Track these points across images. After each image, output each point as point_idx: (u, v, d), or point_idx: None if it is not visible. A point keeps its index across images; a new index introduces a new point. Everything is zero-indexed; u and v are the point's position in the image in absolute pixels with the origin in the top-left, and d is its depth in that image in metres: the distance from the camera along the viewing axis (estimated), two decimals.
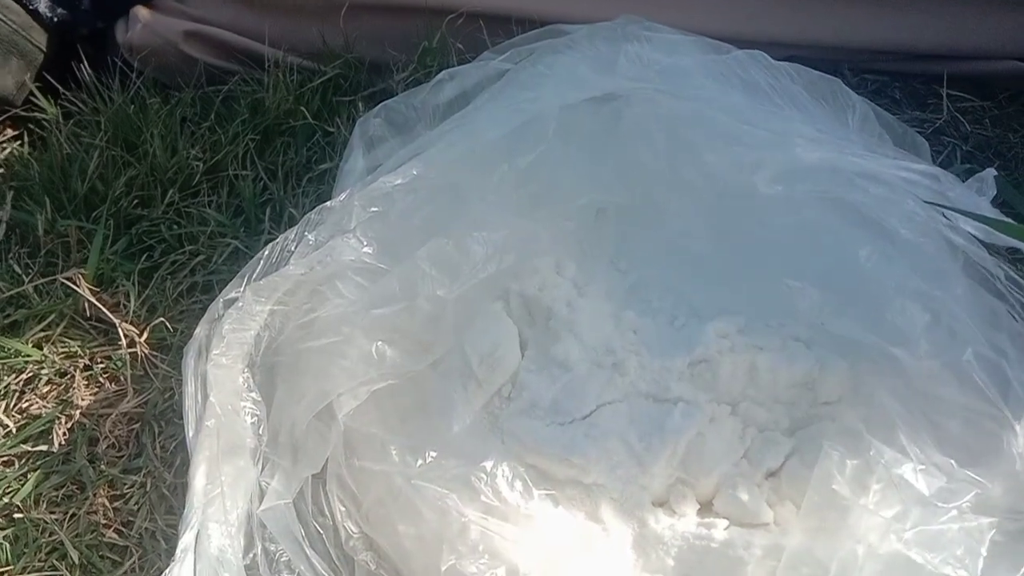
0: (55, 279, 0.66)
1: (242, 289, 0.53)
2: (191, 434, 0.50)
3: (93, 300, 0.64)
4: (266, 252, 0.55)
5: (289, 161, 0.77)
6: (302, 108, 0.79)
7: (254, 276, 0.54)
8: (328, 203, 0.56)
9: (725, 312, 0.57)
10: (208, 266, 0.69)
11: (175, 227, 0.72)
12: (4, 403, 0.62)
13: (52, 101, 0.86)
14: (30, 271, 0.69)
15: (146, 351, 0.63)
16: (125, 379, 0.63)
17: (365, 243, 0.54)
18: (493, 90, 0.59)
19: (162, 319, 0.64)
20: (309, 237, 0.54)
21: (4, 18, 0.88)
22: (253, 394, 0.51)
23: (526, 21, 0.80)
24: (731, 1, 0.78)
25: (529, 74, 0.57)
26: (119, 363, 0.64)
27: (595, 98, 0.56)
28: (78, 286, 0.65)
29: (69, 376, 0.64)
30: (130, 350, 0.63)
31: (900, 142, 0.61)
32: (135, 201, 0.74)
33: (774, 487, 0.52)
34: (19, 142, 0.85)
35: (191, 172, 0.75)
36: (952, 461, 0.47)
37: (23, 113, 0.86)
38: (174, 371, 0.62)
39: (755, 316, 0.57)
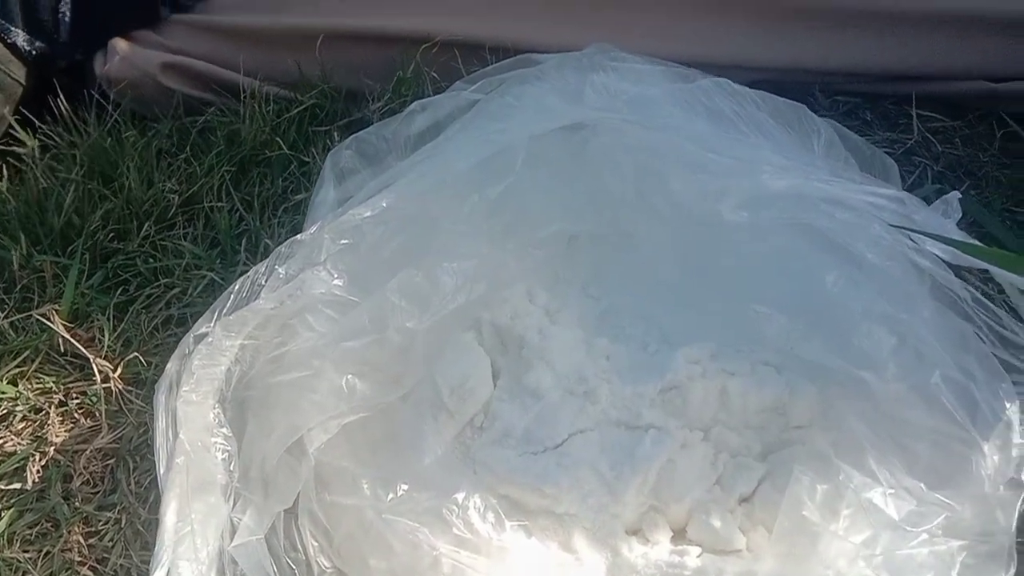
0: (30, 315, 0.66)
1: (212, 324, 0.53)
2: (162, 471, 0.50)
3: (67, 336, 0.64)
4: (237, 286, 0.55)
5: (265, 192, 0.77)
6: (278, 139, 0.79)
7: (224, 311, 0.54)
8: (298, 236, 0.56)
9: (696, 338, 0.57)
10: (183, 299, 0.69)
11: (151, 260, 0.72)
12: None
13: (31, 134, 0.86)
14: (5, 306, 0.69)
15: (120, 386, 0.63)
16: (100, 415, 0.62)
17: (335, 276, 0.54)
18: (463, 121, 0.59)
19: (136, 354, 0.64)
20: (279, 270, 0.55)
21: None
22: (224, 430, 0.51)
23: (500, 49, 0.80)
24: (702, 27, 0.79)
25: (498, 105, 0.58)
26: (94, 398, 0.63)
27: (564, 128, 0.56)
28: (52, 322, 0.64)
29: (44, 412, 0.63)
30: (104, 385, 0.63)
31: (868, 165, 0.62)
32: (111, 235, 0.74)
33: (747, 513, 0.52)
34: None
35: (167, 204, 0.75)
36: (921, 484, 0.47)
37: (1, 147, 0.86)
38: (148, 406, 0.61)
39: (726, 342, 0.57)
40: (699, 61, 0.68)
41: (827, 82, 0.81)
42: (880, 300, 0.52)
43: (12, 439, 0.62)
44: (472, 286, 0.52)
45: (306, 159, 0.79)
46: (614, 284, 0.58)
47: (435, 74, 0.82)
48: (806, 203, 0.53)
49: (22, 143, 0.85)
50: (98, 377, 0.63)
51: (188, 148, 0.79)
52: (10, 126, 0.89)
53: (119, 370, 0.63)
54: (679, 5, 0.76)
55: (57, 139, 0.83)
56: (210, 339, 0.51)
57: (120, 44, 0.90)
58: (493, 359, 0.56)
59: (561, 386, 0.54)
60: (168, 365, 0.53)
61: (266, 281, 0.55)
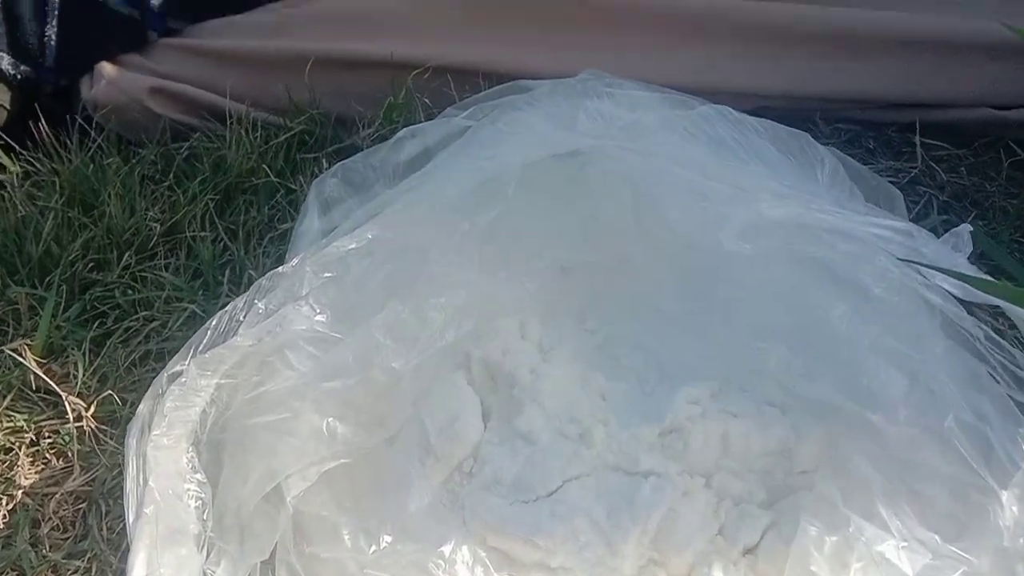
0: (1, 350, 0.63)
1: (187, 362, 0.51)
2: (131, 520, 0.47)
3: (39, 372, 0.61)
4: (214, 322, 0.52)
5: (251, 221, 0.75)
6: (264, 166, 0.77)
7: (200, 347, 0.51)
8: (280, 268, 0.54)
9: (696, 373, 0.55)
10: (163, 332, 0.67)
11: (130, 292, 0.69)
12: None
13: (13, 160, 0.84)
14: None
15: (94, 425, 0.60)
16: (72, 455, 0.60)
17: (318, 311, 0.51)
18: (453, 148, 0.57)
19: (111, 391, 0.61)
20: (259, 305, 0.52)
21: None
22: (198, 475, 0.48)
23: (494, 75, 0.78)
24: (700, 53, 0.77)
25: (490, 132, 0.55)
26: (66, 438, 0.61)
27: (558, 155, 0.54)
28: (24, 357, 0.62)
29: (13, 453, 0.61)
30: (77, 424, 0.60)
31: (873, 195, 0.59)
32: (90, 265, 0.72)
33: (751, 565, 0.49)
34: None
35: (149, 233, 0.73)
36: (936, 536, 0.45)
37: None
38: (122, 447, 0.58)
39: (727, 378, 0.54)
40: (695, 87, 0.66)
41: (828, 109, 0.79)
42: (889, 336, 0.49)
43: None
44: (461, 321, 0.50)
45: (293, 187, 0.76)
46: (610, 315, 0.56)
47: (427, 100, 0.80)
48: (808, 233, 0.50)
49: (3, 168, 0.83)
50: (71, 416, 0.60)
51: (172, 175, 0.76)
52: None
53: (92, 408, 0.60)
54: (674, 31, 0.75)
55: (38, 165, 0.80)
56: (184, 379, 0.48)
57: (107, 68, 0.88)
58: (483, 398, 0.53)
59: (553, 428, 0.51)
60: (140, 406, 0.50)
61: (245, 316, 0.52)
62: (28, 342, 0.63)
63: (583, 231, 0.55)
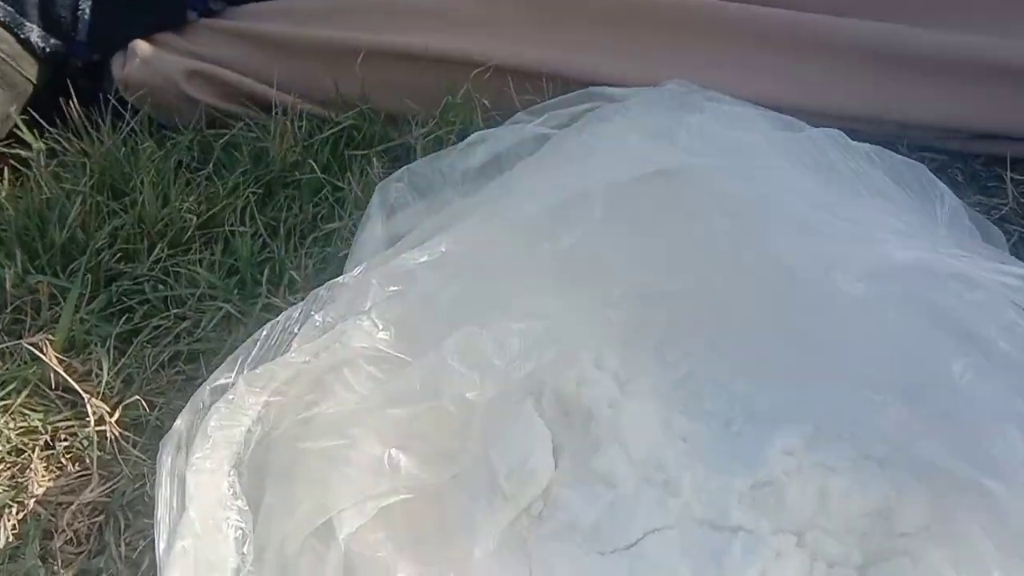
0: (19, 343, 0.58)
1: (233, 375, 0.46)
2: (161, 548, 0.42)
3: (60, 370, 0.56)
4: (264, 333, 0.47)
5: (292, 218, 0.70)
6: (310, 160, 0.72)
7: (248, 360, 0.46)
8: (340, 279, 0.49)
9: (786, 416, 0.50)
10: (195, 333, 0.62)
11: (160, 287, 0.64)
12: None
13: (37, 136, 0.79)
14: None
15: (117, 432, 0.55)
16: (91, 462, 0.54)
17: (381, 327, 0.46)
18: (533, 159, 0.52)
19: (138, 396, 0.56)
20: (316, 317, 0.47)
21: None
22: (239, 502, 0.43)
23: (558, 78, 0.74)
24: (783, 69, 0.72)
25: (575, 143, 0.51)
26: (84, 443, 0.55)
27: (647, 173, 0.49)
28: (44, 353, 0.57)
29: (26, 455, 0.55)
30: (98, 428, 0.55)
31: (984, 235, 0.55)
32: (118, 254, 0.67)
33: None
34: None
35: (183, 225, 0.68)
36: None
37: (3, 149, 0.79)
38: (147, 456, 0.53)
39: (821, 425, 0.49)
40: (775, 106, 0.62)
41: (912, 136, 0.74)
42: (1016, 398, 0.44)
43: None
44: (542, 350, 0.45)
45: (340, 185, 0.71)
46: (694, 348, 0.51)
47: (485, 101, 0.75)
48: (932, 279, 0.45)
49: (27, 145, 0.78)
50: (92, 419, 0.55)
51: (211, 164, 0.71)
52: (15, 126, 0.82)
53: (117, 413, 0.55)
54: (756, 42, 0.70)
55: (66, 145, 0.75)
56: (231, 396, 0.43)
57: (142, 46, 0.84)
58: (554, 433, 0.48)
59: (636, 473, 0.46)
60: (178, 421, 0.45)
61: (299, 328, 0.47)
62: (49, 336, 0.58)
63: (668, 257, 0.51)
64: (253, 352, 0.46)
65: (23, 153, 0.78)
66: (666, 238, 0.50)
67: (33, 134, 0.80)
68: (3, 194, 0.75)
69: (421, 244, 0.47)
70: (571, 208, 0.48)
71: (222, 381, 0.46)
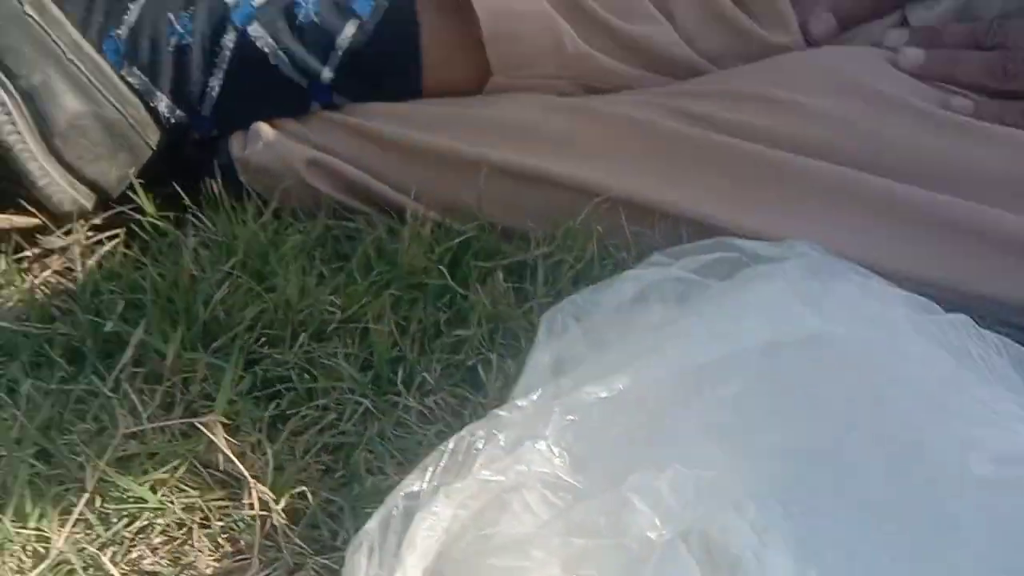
0: (190, 421, 0.62)
1: (425, 484, 0.50)
2: None
3: (229, 453, 0.60)
4: (451, 445, 0.52)
5: (420, 320, 0.74)
6: (440, 267, 0.77)
7: (438, 470, 0.51)
8: (519, 401, 0.54)
9: None
10: (337, 425, 0.66)
11: (306, 376, 0.68)
12: (112, 551, 0.57)
13: (151, 199, 0.84)
14: (147, 404, 0.65)
15: (283, 520, 0.58)
16: (249, 546, 0.58)
17: (557, 453, 0.51)
18: (694, 308, 0.57)
19: (303, 487, 0.59)
20: (499, 437, 0.52)
21: (123, 112, 0.88)
22: None
23: (671, 217, 0.79)
24: (864, 231, 0.77)
25: (737, 300, 0.56)
26: (241, 524, 0.59)
27: (801, 337, 0.55)
28: (215, 434, 0.60)
29: (186, 530, 0.59)
30: (262, 513, 0.58)
31: None
32: (259, 338, 0.71)
33: None
34: (116, 240, 0.82)
35: (324, 318, 0.72)
36: None
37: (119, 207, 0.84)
38: (310, 548, 0.57)
39: None
40: (870, 264, 0.67)
41: (986, 310, 0.80)
42: None
43: (149, 555, 0.57)
44: (709, 497, 0.49)
45: (465, 293, 0.76)
46: (821, 506, 0.56)
47: (599, 228, 0.80)
48: None
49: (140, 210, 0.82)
50: (256, 504, 0.58)
51: (352, 260, 0.76)
52: (131, 187, 0.86)
53: (283, 501, 0.59)
54: (883, 211, 0.75)
55: (208, 223, 0.80)
56: (436, 508, 0.47)
57: (265, 129, 0.88)
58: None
59: None
60: (370, 523, 0.49)
61: (483, 445, 0.52)
62: (222, 418, 0.62)
63: (809, 417, 0.56)
64: (442, 463, 0.51)
65: (139, 217, 0.82)
66: (807, 398, 0.56)
67: (148, 198, 0.84)
68: (130, 257, 0.79)
69: (599, 379, 0.52)
70: (732, 361, 0.53)
71: (414, 488, 0.50)
